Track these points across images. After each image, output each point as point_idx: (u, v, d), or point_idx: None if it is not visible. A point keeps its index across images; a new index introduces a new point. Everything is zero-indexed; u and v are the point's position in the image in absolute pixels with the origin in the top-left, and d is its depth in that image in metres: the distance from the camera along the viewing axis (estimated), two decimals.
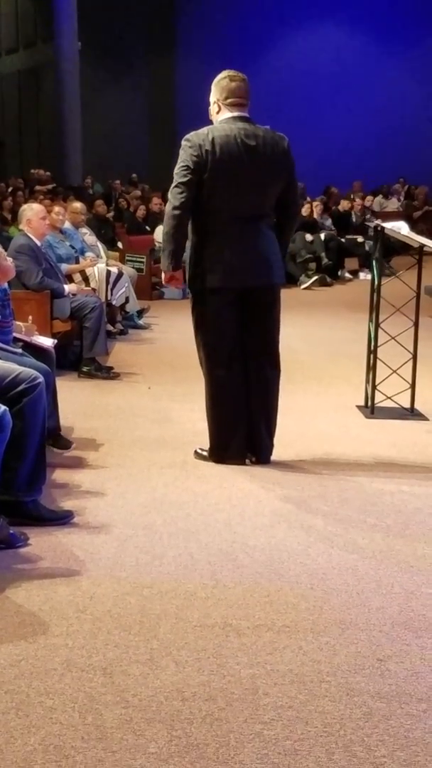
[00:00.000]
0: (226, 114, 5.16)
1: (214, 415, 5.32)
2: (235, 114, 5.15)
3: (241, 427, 5.29)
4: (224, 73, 5.22)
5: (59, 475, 5.10)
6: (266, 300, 5.25)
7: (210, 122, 5.23)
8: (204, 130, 5.10)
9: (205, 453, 5.41)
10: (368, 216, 16.12)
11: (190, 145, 5.04)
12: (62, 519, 4.39)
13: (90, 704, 2.87)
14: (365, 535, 4.32)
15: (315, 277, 13.84)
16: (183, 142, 5.09)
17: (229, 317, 5.20)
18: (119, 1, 26.05)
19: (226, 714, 2.83)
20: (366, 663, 3.15)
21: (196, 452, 5.47)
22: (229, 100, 5.15)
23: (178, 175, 5.03)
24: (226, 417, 5.29)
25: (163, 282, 5.47)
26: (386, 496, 4.87)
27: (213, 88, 5.21)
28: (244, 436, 5.32)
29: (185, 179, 5.01)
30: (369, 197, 19.88)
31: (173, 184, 5.06)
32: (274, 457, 5.41)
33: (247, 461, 5.36)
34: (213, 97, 5.21)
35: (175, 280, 5.28)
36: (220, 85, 5.18)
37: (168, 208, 5.13)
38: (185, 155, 5.03)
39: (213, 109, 5.24)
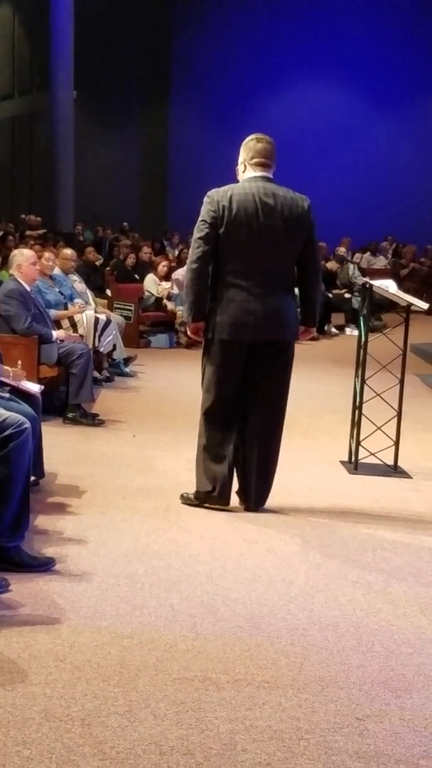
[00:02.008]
0: (250, 173, 5.30)
1: (202, 456, 5.40)
2: (258, 174, 5.27)
3: (227, 471, 5.35)
4: (252, 135, 5.36)
5: (42, 522, 5.08)
6: (276, 354, 5.33)
7: (235, 180, 5.36)
8: (225, 187, 5.24)
9: (190, 495, 5.47)
10: (356, 274, 16.21)
11: (209, 201, 5.19)
12: (44, 566, 4.37)
13: (67, 755, 2.85)
14: (346, 591, 4.32)
15: None
16: (204, 198, 5.23)
17: (233, 368, 5.30)
18: (116, 52, 26.49)
19: None
20: (345, 722, 3.14)
21: (182, 495, 5.53)
22: (254, 160, 5.29)
23: (197, 229, 5.19)
24: (212, 460, 5.36)
25: (189, 334, 5.57)
26: (368, 553, 4.87)
27: (241, 148, 5.35)
28: (230, 481, 5.39)
29: (203, 233, 5.15)
30: (357, 254, 20.11)
31: (193, 239, 5.25)
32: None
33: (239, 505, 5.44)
34: (240, 157, 5.36)
35: (201, 333, 5.34)
36: (248, 146, 5.33)
37: (188, 261, 5.32)
38: (204, 210, 5.18)
39: (240, 168, 5.38)
